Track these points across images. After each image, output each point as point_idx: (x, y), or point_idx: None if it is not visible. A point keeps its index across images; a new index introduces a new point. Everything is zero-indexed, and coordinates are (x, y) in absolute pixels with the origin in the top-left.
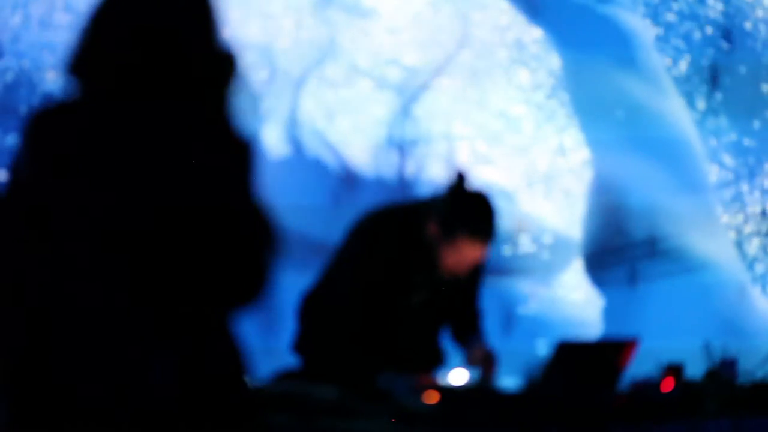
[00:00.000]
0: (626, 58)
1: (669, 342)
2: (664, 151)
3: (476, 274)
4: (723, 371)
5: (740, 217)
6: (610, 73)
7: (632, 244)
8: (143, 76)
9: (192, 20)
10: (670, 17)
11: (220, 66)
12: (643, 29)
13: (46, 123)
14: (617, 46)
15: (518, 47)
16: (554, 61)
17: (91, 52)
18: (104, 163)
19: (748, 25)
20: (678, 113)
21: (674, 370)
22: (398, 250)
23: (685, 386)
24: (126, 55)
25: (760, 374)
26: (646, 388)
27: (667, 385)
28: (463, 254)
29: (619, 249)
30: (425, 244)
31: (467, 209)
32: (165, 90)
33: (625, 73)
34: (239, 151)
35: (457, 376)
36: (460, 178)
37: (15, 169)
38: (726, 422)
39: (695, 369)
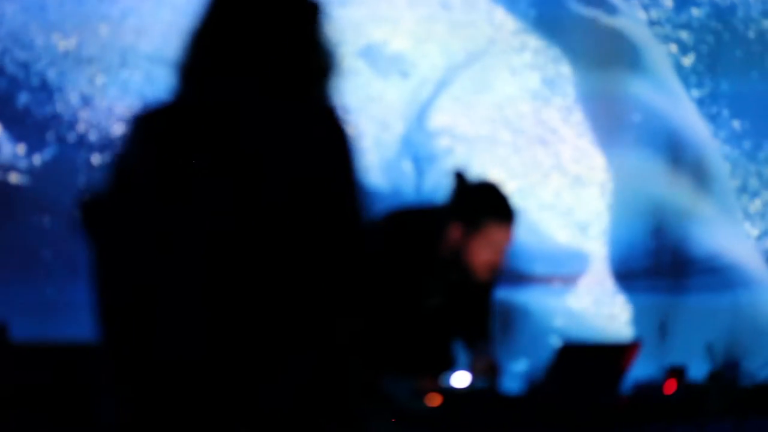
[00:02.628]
0: (636, 66)
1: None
2: (684, 157)
3: (490, 279)
4: (726, 373)
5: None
6: (622, 81)
7: (658, 253)
8: (251, 75)
9: (299, 22)
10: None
11: (323, 65)
12: (649, 37)
13: (155, 122)
14: (627, 55)
15: (527, 51)
16: (563, 65)
17: (202, 54)
18: (215, 161)
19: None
20: (691, 116)
21: (677, 371)
22: (414, 253)
23: (687, 388)
24: (235, 55)
25: (762, 376)
26: (649, 389)
27: (670, 387)
28: (493, 240)
29: (644, 259)
30: (440, 248)
31: (484, 195)
32: (274, 90)
33: (637, 80)
34: (344, 151)
35: (460, 379)
36: (459, 175)
37: (122, 168)
38: (729, 423)
39: (698, 371)
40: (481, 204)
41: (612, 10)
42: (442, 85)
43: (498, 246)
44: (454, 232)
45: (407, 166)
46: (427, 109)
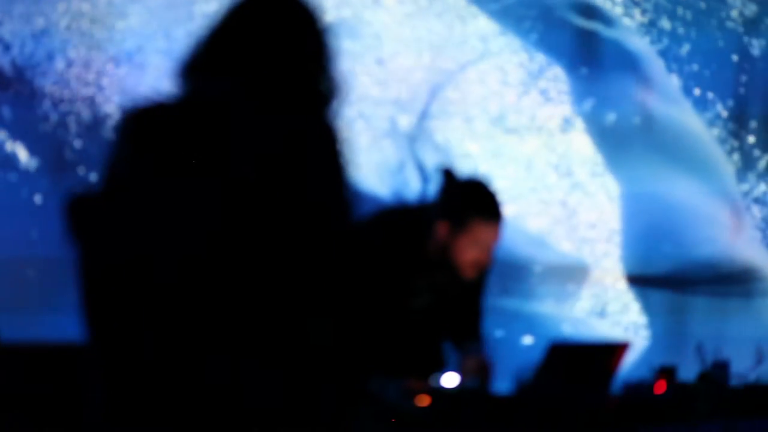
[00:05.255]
0: (639, 76)
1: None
2: (692, 161)
3: (480, 279)
4: (715, 373)
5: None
6: (627, 90)
7: (669, 260)
8: (245, 77)
9: (307, 34)
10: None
11: (320, 69)
12: (648, 48)
13: (145, 121)
14: (629, 66)
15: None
16: (561, 75)
17: (206, 57)
18: (204, 161)
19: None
20: (694, 122)
21: (667, 372)
22: (400, 252)
23: (677, 388)
24: (232, 57)
25: (752, 376)
26: (639, 390)
27: (660, 387)
28: (479, 239)
29: (657, 268)
30: (427, 248)
31: (471, 193)
32: (267, 92)
33: (642, 90)
34: (333, 152)
35: (449, 379)
36: (448, 172)
37: (115, 166)
38: (718, 424)
39: (688, 371)
40: (468, 202)
41: (609, 21)
42: (437, 90)
43: (484, 244)
44: (441, 230)
45: (405, 169)
46: (425, 113)
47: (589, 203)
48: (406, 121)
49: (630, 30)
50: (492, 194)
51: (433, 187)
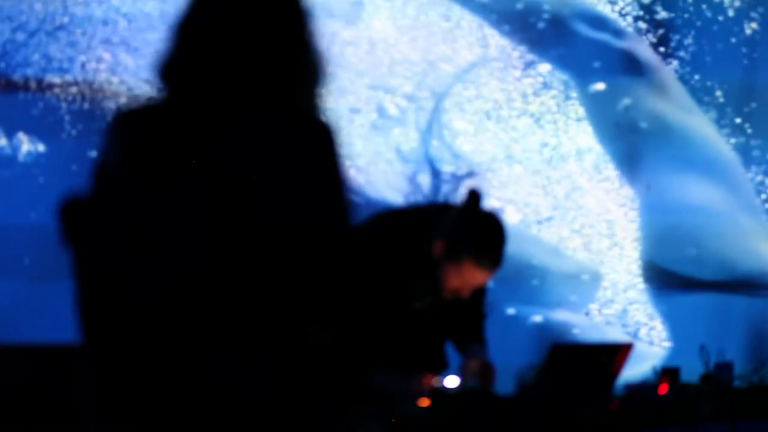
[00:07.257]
0: (649, 84)
1: None
2: (705, 164)
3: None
4: (719, 374)
5: None
6: (638, 94)
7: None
8: (231, 79)
9: (282, 25)
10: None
11: (306, 71)
12: (659, 60)
13: (135, 122)
14: (638, 75)
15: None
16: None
17: (181, 57)
18: (197, 164)
19: None
20: (707, 129)
21: (669, 373)
22: (403, 254)
23: (680, 390)
24: (215, 58)
25: (755, 378)
26: (642, 391)
27: (663, 389)
28: (465, 278)
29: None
30: (429, 250)
31: (475, 233)
32: (252, 94)
33: (654, 97)
34: (329, 153)
35: (452, 380)
36: (473, 197)
37: (103, 168)
38: (722, 426)
39: (691, 373)
40: (468, 240)
41: (619, 33)
42: (444, 95)
43: (467, 282)
44: (437, 248)
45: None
46: (433, 121)
47: (599, 206)
48: (397, 110)
49: (636, 34)
50: (496, 243)
51: (445, 188)
